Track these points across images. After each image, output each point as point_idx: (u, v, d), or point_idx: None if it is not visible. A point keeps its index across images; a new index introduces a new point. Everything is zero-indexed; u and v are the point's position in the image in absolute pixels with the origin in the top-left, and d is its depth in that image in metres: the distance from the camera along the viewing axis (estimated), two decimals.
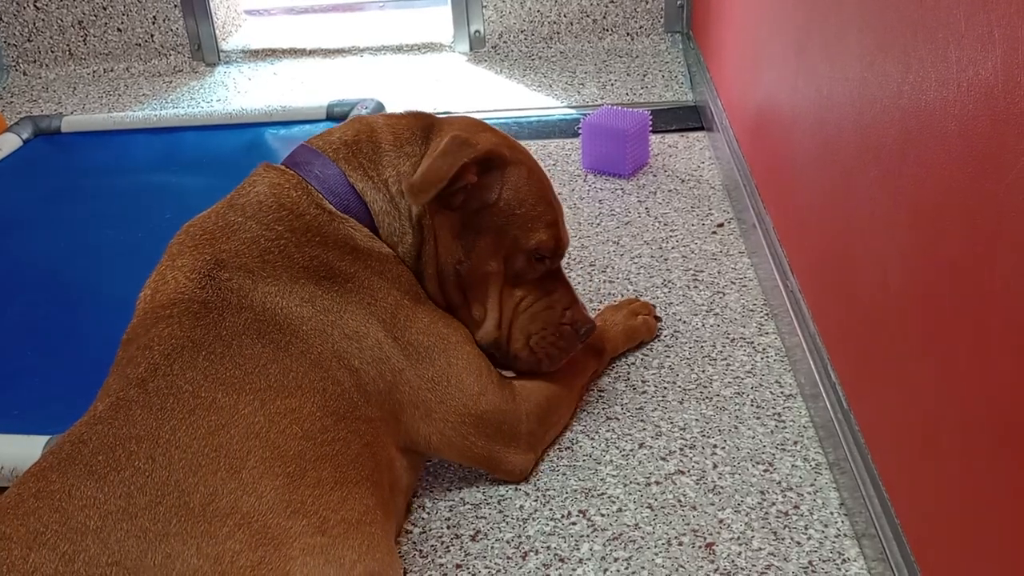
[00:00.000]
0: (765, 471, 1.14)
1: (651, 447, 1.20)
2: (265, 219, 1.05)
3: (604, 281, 1.57)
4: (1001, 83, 0.69)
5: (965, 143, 0.76)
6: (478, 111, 2.32)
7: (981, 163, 0.73)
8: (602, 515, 1.10)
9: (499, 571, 1.03)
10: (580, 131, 1.97)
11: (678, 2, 2.70)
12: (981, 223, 0.74)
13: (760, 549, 1.03)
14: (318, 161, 1.12)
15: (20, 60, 2.88)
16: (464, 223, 1.11)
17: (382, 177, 1.12)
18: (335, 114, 2.20)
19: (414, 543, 1.08)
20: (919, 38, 0.86)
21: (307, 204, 1.08)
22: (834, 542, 1.04)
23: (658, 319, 1.43)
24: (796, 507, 1.09)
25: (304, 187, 1.09)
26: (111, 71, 2.87)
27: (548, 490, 1.14)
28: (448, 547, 1.07)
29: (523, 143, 2.12)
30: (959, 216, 0.78)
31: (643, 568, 1.02)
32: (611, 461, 1.18)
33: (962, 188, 0.78)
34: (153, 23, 2.83)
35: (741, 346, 1.38)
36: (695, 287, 1.54)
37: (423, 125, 1.16)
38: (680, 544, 1.05)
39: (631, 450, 1.19)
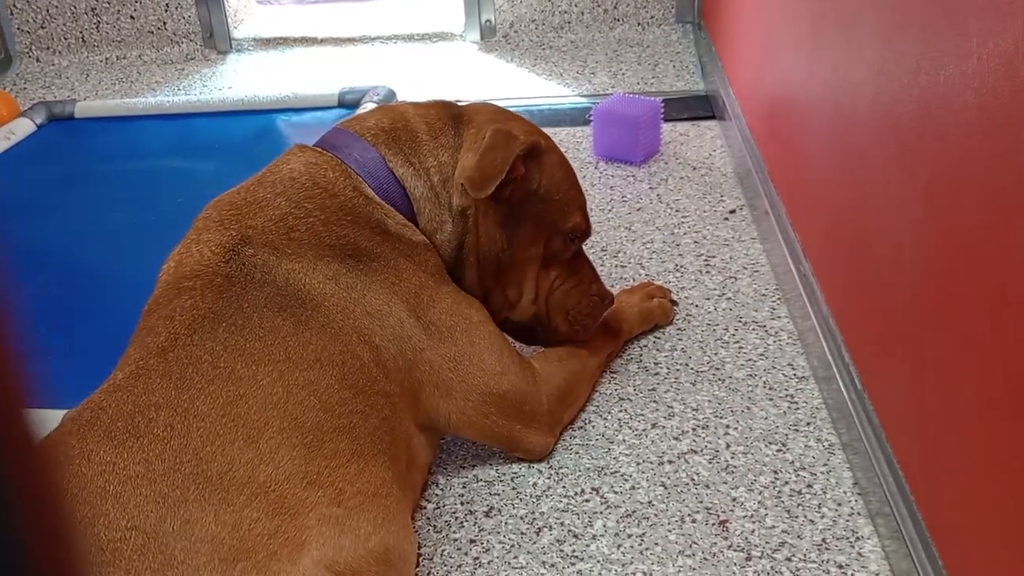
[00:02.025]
0: (778, 451, 1.14)
1: (664, 427, 1.20)
2: (296, 196, 1.06)
3: (616, 266, 1.58)
4: (1022, 52, 0.69)
5: (984, 115, 0.76)
6: (489, 100, 2.32)
7: (1000, 134, 0.74)
8: (615, 492, 1.10)
9: (513, 546, 1.04)
10: (591, 118, 1.97)
11: None
12: (999, 195, 0.74)
13: (774, 527, 1.04)
14: (357, 145, 1.12)
15: (33, 47, 2.88)
16: (508, 213, 1.13)
17: (424, 166, 1.12)
18: (347, 101, 2.20)
19: (428, 519, 1.09)
20: (937, 12, 0.86)
21: (344, 185, 1.08)
22: (848, 520, 1.04)
23: (674, 303, 1.44)
24: (809, 486, 1.09)
25: (343, 169, 1.09)
26: (123, 58, 2.87)
27: (561, 468, 1.14)
28: (462, 523, 1.08)
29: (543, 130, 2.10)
30: (977, 189, 0.79)
31: (656, 544, 1.02)
32: (624, 440, 1.18)
33: (980, 160, 0.78)
34: (165, 11, 2.84)
35: (753, 329, 1.38)
36: (707, 272, 1.54)
37: (452, 115, 1.17)
38: (693, 521, 1.05)
39: (644, 430, 1.20)
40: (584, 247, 1.63)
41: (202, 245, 1.02)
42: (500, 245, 1.14)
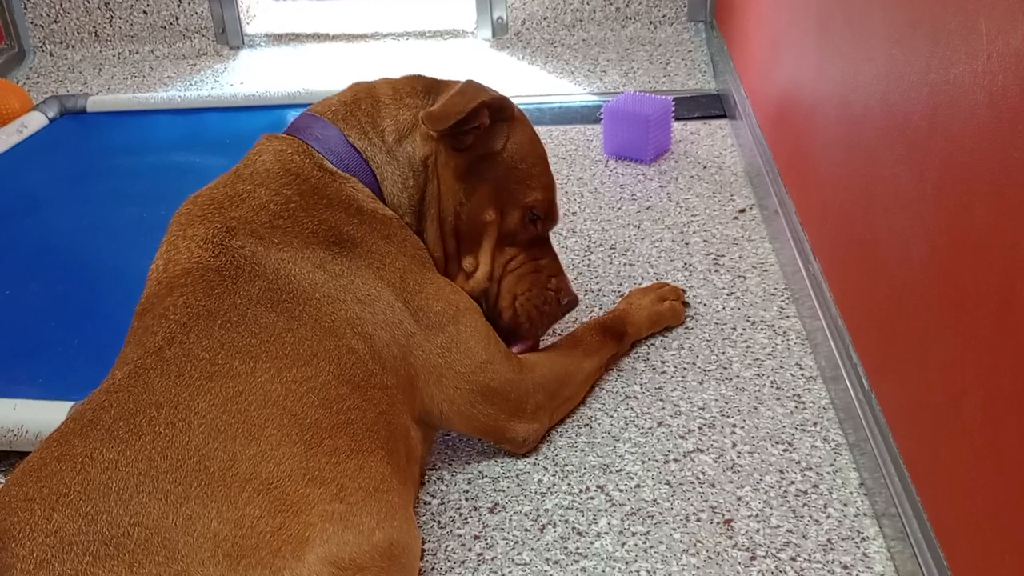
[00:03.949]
0: (784, 451, 1.14)
1: (670, 425, 1.20)
2: (273, 185, 1.07)
3: (624, 264, 1.57)
4: None
5: (994, 115, 0.76)
6: None
7: (1011, 134, 0.73)
8: (620, 490, 1.10)
9: (517, 543, 1.04)
10: (602, 116, 1.97)
11: None
12: (1009, 195, 0.74)
13: (778, 526, 1.03)
14: (317, 124, 1.15)
15: (47, 41, 2.90)
16: (468, 166, 1.15)
17: (378, 129, 1.15)
18: None
19: (432, 514, 1.09)
20: (948, 11, 0.85)
21: (310, 167, 1.10)
22: (853, 521, 1.03)
23: (686, 304, 1.43)
24: (815, 486, 1.08)
25: (305, 150, 1.12)
26: (136, 53, 2.89)
27: (566, 465, 1.14)
28: (466, 519, 1.08)
29: (545, 128, 2.11)
30: (986, 189, 0.78)
31: (661, 543, 1.02)
32: (630, 438, 1.18)
33: (990, 161, 0.77)
34: (178, 6, 2.85)
35: (761, 329, 1.38)
36: (716, 271, 1.53)
37: (424, 84, 1.20)
38: (698, 520, 1.05)
39: (650, 428, 1.19)
40: (594, 244, 1.64)
41: (188, 241, 1.02)
42: (459, 198, 1.15)
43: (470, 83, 1.14)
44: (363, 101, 1.17)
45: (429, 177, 1.15)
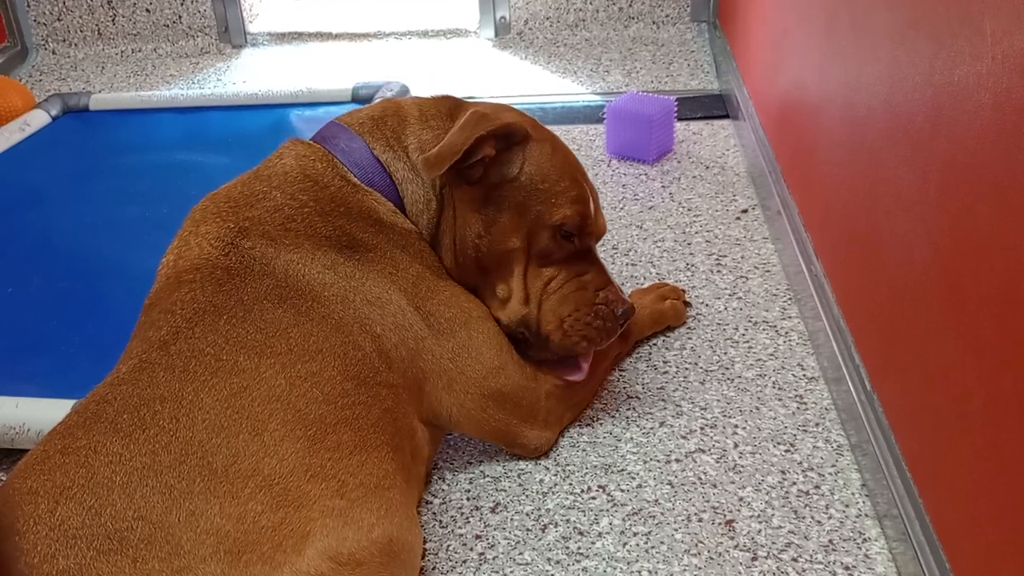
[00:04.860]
0: (786, 451, 1.14)
1: (672, 426, 1.20)
2: (290, 189, 1.07)
3: (627, 264, 1.57)
4: None
5: (998, 117, 0.76)
6: (503, 97, 2.32)
7: (1014, 136, 0.73)
8: (622, 491, 1.10)
9: (518, 542, 1.04)
10: (605, 116, 1.97)
11: None
12: (1012, 197, 0.74)
13: (780, 527, 1.03)
14: (344, 135, 1.14)
15: (49, 39, 2.90)
16: (485, 197, 1.11)
17: (403, 146, 1.13)
18: (360, 96, 2.21)
19: (434, 514, 1.09)
20: (952, 12, 0.85)
21: (332, 176, 1.09)
22: (855, 522, 1.03)
23: (687, 304, 1.43)
24: (817, 487, 1.08)
25: (330, 159, 1.11)
26: (139, 51, 2.89)
27: (568, 465, 1.14)
28: (468, 518, 1.08)
29: (547, 128, 2.11)
30: (989, 191, 0.78)
31: (662, 543, 1.02)
32: (632, 438, 1.18)
33: (993, 163, 0.77)
34: (181, 4, 2.85)
35: (764, 329, 1.38)
36: (718, 271, 1.53)
37: (450, 105, 1.18)
38: (700, 520, 1.05)
39: (652, 428, 1.19)
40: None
41: (200, 238, 1.03)
42: (477, 231, 1.11)
43: (472, 114, 1.09)
44: (390, 118, 1.15)
45: (445, 204, 1.12)
